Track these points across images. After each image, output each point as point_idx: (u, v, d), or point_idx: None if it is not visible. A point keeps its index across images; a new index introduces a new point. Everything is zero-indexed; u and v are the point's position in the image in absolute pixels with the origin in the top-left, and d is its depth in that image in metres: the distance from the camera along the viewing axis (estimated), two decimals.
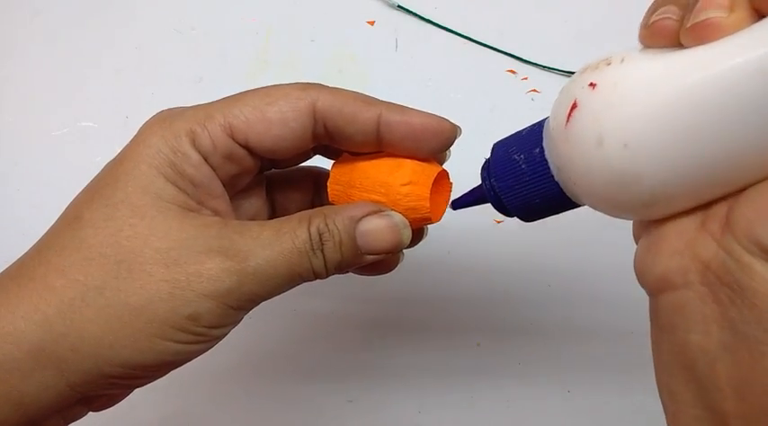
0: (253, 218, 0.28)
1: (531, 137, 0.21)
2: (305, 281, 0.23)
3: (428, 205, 0.24)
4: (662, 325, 0.18)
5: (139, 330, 0.21)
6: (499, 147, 0.23)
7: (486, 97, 0.40)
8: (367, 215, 0.23)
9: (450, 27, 0.40)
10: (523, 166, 0.21)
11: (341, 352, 0.38)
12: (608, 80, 0.18)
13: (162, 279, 0.21)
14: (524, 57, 0.40)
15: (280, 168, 0.28)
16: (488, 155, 0.23)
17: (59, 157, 0.39)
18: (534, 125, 0.22)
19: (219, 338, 0.23)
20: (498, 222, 0.38)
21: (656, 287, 0.18)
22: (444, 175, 0.26)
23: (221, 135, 0.23)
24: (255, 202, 0.28)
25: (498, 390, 0.38)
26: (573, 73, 0.20)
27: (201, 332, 0.22)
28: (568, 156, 0.19)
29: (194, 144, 0.23)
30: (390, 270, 0.27)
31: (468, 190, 0.25)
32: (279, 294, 0.23)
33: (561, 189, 0.20)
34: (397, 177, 0.24)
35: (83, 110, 0.39)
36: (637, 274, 0.19)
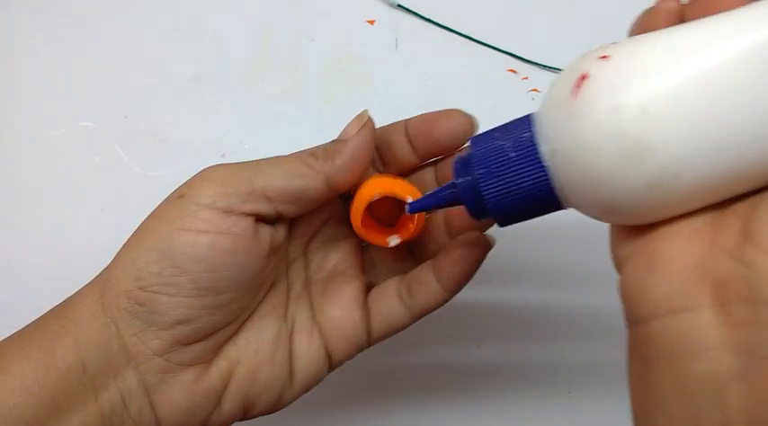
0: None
1: (518, 125, 0.21)
2: (306, 172, 0.25)
3: (358, 224, 0.26)
4: (652, 355, 0.17)
5: (153, 228, 0.24)
6: (479, 138, 0.22)
7: (487, 97, 0.39)
8: None
9: (450, 26, 0.40)
10: (511, 153, 0.20)
11: None
12: (624, 50, 0.17)
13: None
14: (525, 57, 0.40)
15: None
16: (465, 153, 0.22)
17: (59, 157, 0.39)
18: (518, 118, 0.21)
19: (223, 232, 0.23)
20: None
21: (651, 311, 0.17)
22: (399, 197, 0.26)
23: None
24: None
25: (498, 391, 0.38)
26: None
27: (196, 211, 0.23)
28: (572, 131, 0.18)
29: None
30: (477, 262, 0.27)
31: (431, 191, 0.25)
32: (279, 189, 0.24)
33: (548, 180, 0.19)
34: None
35: (82, 109, 0.39)
36: (627, 296, 0.18)
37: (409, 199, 0.26)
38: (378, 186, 0.26)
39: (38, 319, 0.24)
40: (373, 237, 0.27)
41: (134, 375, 0.24)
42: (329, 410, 0.38)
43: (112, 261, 0.25)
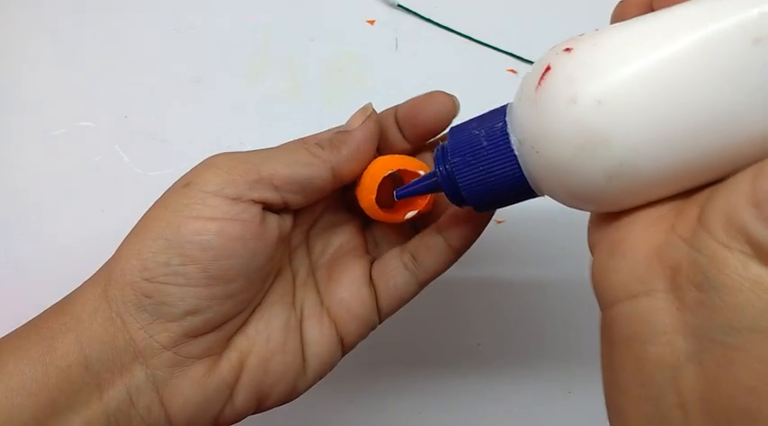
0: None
1: (494, 115, 0.21)
2: (312, 162, 0.25)
3: (372, 199, 0.26)
4: (616, 339, 0.18)
5: (159, 217, 0.24)
6: (457, 128, 0.22)
7: (487, 97, 0.39)
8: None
9: (450, 26, 0.40)
10: (484, 142, 0.21)
11: None
12: (585, 43, 0.18)
13: None
14: (525, 57, 0.40)
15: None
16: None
17: (59, 157, 0.39)
18: (495, 108, 0.22)
19: (230, 217, 0.23)
20: (499, 222, 0.38)
21: (614, 295, 0.18)
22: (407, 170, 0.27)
23: None
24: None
25: (498, 390, 0.38)
26: None
27: (204, 199, 0.23)
28: (536, 122, 0.18)
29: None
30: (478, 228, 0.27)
31: (416, 179, 0.25)
32: (287, 177, 0.24)
33: (519, 167, 0.20)
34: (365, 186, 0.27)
35: (82, 109, 0.39)
36: (594, 281, 0.19)
37: (421, 173, 0.26)
38: (388, 163, 0.26)
39: (38, 316, 0.24)
40: (386, 214, 0.27)
41: (142, 370, 0.23)
42: (329, 409, 0.38)
43: (116, 253, 0.24)
